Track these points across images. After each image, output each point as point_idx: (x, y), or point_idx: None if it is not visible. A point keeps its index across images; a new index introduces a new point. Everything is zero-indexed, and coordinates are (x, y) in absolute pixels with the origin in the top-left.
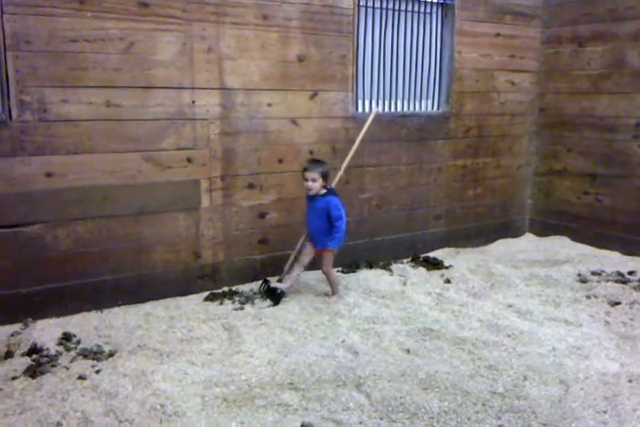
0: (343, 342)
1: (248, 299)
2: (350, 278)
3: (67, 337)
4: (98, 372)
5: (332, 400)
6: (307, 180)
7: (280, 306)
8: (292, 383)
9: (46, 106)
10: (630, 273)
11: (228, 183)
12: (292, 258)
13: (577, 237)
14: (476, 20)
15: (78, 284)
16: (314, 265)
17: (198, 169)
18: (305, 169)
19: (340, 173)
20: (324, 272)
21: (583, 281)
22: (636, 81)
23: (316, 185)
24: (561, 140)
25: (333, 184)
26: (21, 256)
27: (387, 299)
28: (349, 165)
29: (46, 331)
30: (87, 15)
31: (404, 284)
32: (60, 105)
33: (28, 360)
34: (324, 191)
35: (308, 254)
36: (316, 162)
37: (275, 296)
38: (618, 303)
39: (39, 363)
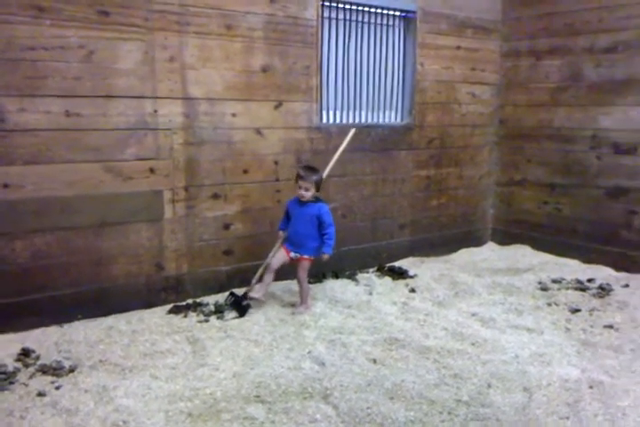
0: (309, 353)
1: (213, 311)
2: (316, 288)
3: (25, 353)
4: (58, 388)
5: (298, 413)
6: (300, 187)
7: (245, 318)
8: (258, 396)
9: (3, 115)
10: (589, 280)
11: (191, 194)
12: (261, 269)
13: (538, 245)
14: (437, 33)
15: (37, 298)
16: (280, 276)
17: (161, 179)
18: (300, 177)
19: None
20: (299, 278)
21: (544, 289)
22: (591, 94)
23: (308, 194)
24: (521, 150)
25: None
26: None
27: (353, 309)
28: None
29: (4, 347)
30: (46, 23)
31: (370, 293)
32: (18, 114)
33: None
34: (314, 198)
35: (279, 260)
36: (310, 170)
37: (241, 308)
38: (578, 310)
39: None
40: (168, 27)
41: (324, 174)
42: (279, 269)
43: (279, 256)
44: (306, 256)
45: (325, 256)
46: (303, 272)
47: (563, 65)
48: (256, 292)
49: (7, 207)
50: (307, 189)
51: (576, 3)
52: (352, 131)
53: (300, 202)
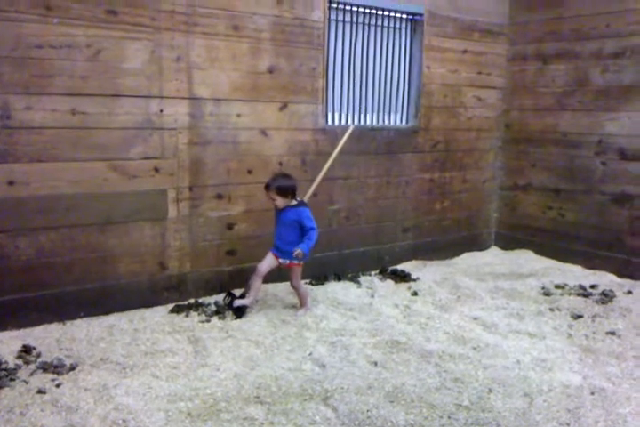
0: (310, 354)
1: (215, 311)
2: (318, 291)
3: (26, 350)
4: (58, 386)
5: (298, 414)
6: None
7: (247, 318)
8: (258, 397)
9: (10, 113)
10: (592, 287)
11: (195, 193)
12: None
13: (541, 250)
14: (444, 37)
15: (40, 295)
16: (282, 277)
17: (166, 179)
18: (264, 188)
19: (313, 187)
20: (293, 286)
21: (547, 294)
22: (598, 99)
23: (278, 203)
24: (526, 155)
25: (306, 198)
26: None
27: (354, 311)
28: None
29: (5, 343)
30: (54, 21)
31: (372, 296)
32: (25, 112)
33: None
34: (295, 203)
35: (267, 265)
36: (274, 179)
37: (237, 310)
38: (580, 316)
39: None
40: (175, 27)
41: (322, 174)
42: (268, 274)
43: (267, 261)
44: (295, 262)
45: (298, 251)
46: (296, 279)
47: (569, 70)
48: (246, 298)
49: (12, 204)
50: (273, 199)
51: (583, 8)
52: (350, 128)
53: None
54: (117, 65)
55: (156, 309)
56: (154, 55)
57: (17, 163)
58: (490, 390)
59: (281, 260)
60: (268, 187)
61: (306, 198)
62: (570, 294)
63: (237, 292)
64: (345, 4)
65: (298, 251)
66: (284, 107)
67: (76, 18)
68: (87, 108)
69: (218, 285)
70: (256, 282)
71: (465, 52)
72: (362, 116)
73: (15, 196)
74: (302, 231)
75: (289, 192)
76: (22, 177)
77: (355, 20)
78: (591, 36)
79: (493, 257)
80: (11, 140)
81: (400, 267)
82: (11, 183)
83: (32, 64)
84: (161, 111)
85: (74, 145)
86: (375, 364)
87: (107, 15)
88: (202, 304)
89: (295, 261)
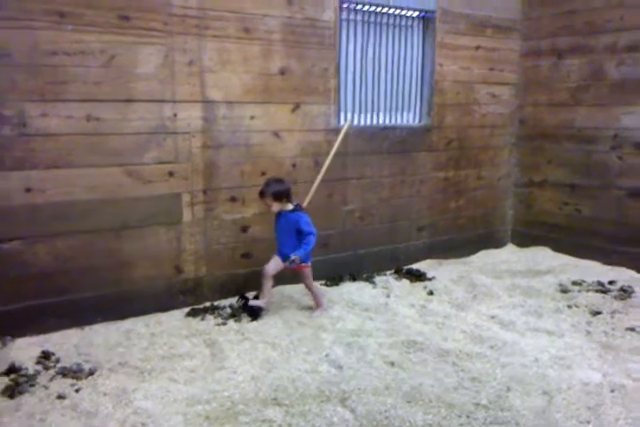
0: (327, 356)
1: (230, 314)
2: (333, 291)
3: (46, 356)
4: (77, 391)
5: (316, 415)
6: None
7: (263, 320)
8: (275, 399)
9: (26, 120)
10: (610, 283)
11: (209, 197)
12: None
13: (558, 247)
14: (456, 33)
15: (58, 301)
16: (297, 279)
17: (180, 183)
18: (259, 194)
19: (313, 189)
20: (307, 286)
21: (564, 291)
22: (613, 93)
23: (273, 208)
24: (541, 151)
25: (308, 199)
26: (0, 273)
27: (370, 311)
28: (332, 178)
29: (25, 349)
30: (67, 28)
31: (388, 296)
32: (40, 119)
33: (5, 380)
34: (291, 207)
35: (274, 266)
36: (267, 184)
37: (253, 312)
38: (599, 313)
39: (17, 382)
40: (187, 31)
41: (322, 172)
42: (281, 276)
43: (274, 262)
44: (302, 265)
45: (294, 257)
46: (308, 280)
47: (584, 64)
48: (260, 299)
49: (29, 211)
50: (269, 206)
51: (597, 0)
52: (346, 124)
53: (279, 212)
54: (131, 70)
55: (172, 313)
56: (167, 59)
57: (34, 170)
58: (508, 389)
59: (286, 263)
60: (263, 194)
61: (305, 204)
62: (588, 291)
63: (251, 295)
64: (356, 4)
65: (294, 257)
66: (296, 108)
67: (89, 24)
68: (101, 114)
69: (233, 288)
70: (267, 284)
71: (478, 48)
72: (375, 115)
73: (32, 202)
74: (301, 236)
75: (284, 196)
76: (39, 184)
77: (366, 19)
78: (605, 29)
79: (510, 254)
80: (27, 148)
81: (415, 266)
82: (28, 190)
83: (47, 71)
84: (174, 115)
85: (89, 151)
86: (392, 364)
87: (119, 21)
88: (218, 307)
89: (292, 266)
